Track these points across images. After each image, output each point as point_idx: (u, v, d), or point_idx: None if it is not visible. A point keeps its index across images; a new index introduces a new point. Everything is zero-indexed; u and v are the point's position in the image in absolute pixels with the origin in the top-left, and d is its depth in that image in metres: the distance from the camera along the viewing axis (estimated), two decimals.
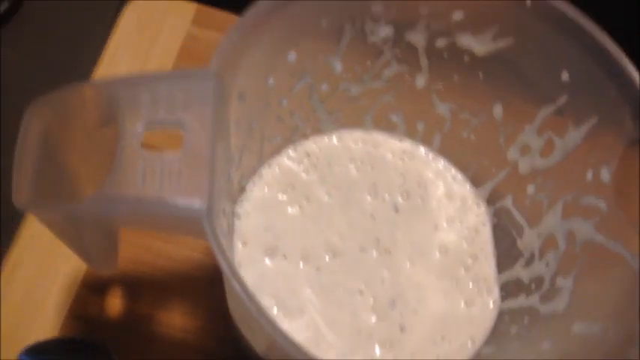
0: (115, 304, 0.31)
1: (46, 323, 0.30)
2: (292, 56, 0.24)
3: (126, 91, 0.17)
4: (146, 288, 0.31)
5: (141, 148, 0.17)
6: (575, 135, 0.25)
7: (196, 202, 0.16)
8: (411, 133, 0.31)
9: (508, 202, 0.29)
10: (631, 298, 0.20)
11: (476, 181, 0.31)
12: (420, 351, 0.26)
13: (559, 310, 0.24)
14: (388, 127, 0.31)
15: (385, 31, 0.25)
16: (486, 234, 0.30)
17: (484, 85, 0.27)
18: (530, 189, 0.28)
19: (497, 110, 0.28)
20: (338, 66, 0.27)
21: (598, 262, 0.23)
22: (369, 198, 0.30)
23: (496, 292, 0.28)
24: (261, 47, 0.22)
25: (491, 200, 0.30)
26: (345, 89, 0.28)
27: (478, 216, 0.30)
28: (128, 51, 0.37)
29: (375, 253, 0.28)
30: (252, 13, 0.20)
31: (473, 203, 0.30)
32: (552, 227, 0.26)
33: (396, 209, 0.30)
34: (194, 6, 0.39)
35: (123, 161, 0.16)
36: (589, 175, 0.24)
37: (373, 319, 0.27)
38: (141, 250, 0.32)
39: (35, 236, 0.31)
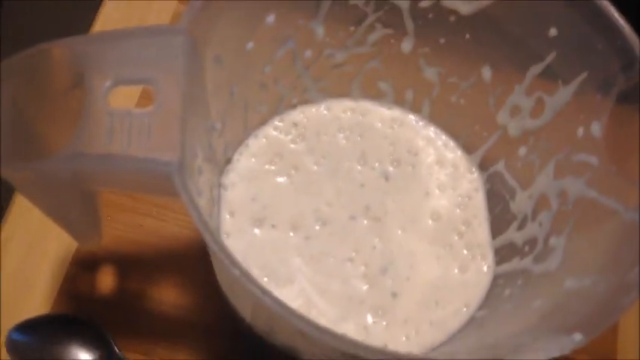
0: (106, 281, 0.30)
1: (37, 301, 0.29)
2: (271, 19, 0.24)
3: (93, 48, 0.17)
4: (137, 266, 0.31)
5: (108, 105, 0.16)
6: (564, 92, 0.25)
7: (166, 157, 0.16)
8: (399, 101, 0.30)
9: (500, 166, 0.29)
10: (622, 249, 0.19)
11: (468, 148, 0.30)
12: (412, 317, 0.26)
13: (552, 269, 0.23)
14: (377, 96, 0.30)
15: None
16: (479, 200, 0.29)
17: (471, 46, 0.27)
18: (522, 151, 0.27)
19: (486, 72, 0.27)
20: (320, 31, 0.26)
21: (590, 217, 0.23)
22: (358, 167, 0.29)
23: (490, 257, 0.28)
24: (237, 7, 0.21)
25: (483, 166, 0.30)
26: (330, 55, 0.28)
27: (471, 182, 0.30)
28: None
29: (365, 221, 0.28)
30: None
31: (465, 170, 0.30)
32: (544, 187, 0.26)
33: (386, 177, 0.29)
34: None
35: (90, 119, 0.16)
36: (580, 131, 0.24)
37: (364, 286, 0.26)
38: (131, 228, 0.32)
39: (25, 215, 0.31)
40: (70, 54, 0.17)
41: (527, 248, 0.26)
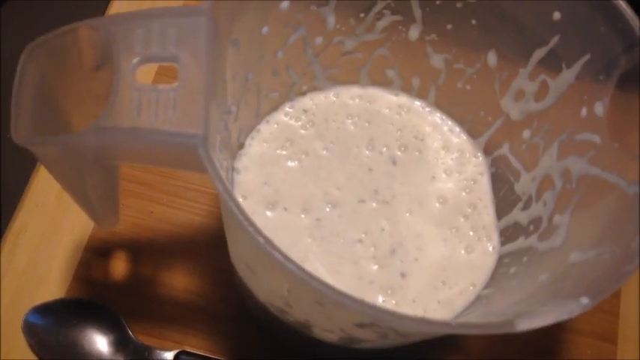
0: (119, 267, 0.31)
1: (51, 287, 0.30)
2: (285, 4, 0.24)
3: (120, 27, 0.18)
4: (149, 252, 0.32)
5: (136, 81, 0.17)
6: (567, 75, 0.25)
7: (192, 130, 0.17)
8: (406, 88, 0.31)
9: (505, 149, 0.29)
10: (624, 220, 0.20)
11: (473, 133, 0.31)
12: (421, 296, 0.27)
13: (556, 245, 0.24)
14: (384, 83, 0.31)
15: None
16: (484, 183, 0.30)
17: (478, 32, 0.27)
18: (526, 134, 0.28)
19: (492, 58, 0.28)
20: (331, 18, 0.27)
21: (593, 193, 0.23)
22: (366, 152, 0.30)
23: (495, 238, 0.29)
24: None
25: (488, 150, 0.30)
26: (339, 42, 0.28)
27: (476, 166, 0.30)
28: None
29: (373, 204, 0.29)
30: None
31: (470, 154, 0.31)
32: (548, 168, 0.26)
33: (394, 162, 0.30)
34: None
35: (118, 94, 0.17)
36: (583, 112, 0.25)
37: (374, 267, 0.27)
38: (142, 215, 0.32)
39: (39, 204, 0.32)
40: (97, 33, 0.18)
41: (531, 227, 0.27)
